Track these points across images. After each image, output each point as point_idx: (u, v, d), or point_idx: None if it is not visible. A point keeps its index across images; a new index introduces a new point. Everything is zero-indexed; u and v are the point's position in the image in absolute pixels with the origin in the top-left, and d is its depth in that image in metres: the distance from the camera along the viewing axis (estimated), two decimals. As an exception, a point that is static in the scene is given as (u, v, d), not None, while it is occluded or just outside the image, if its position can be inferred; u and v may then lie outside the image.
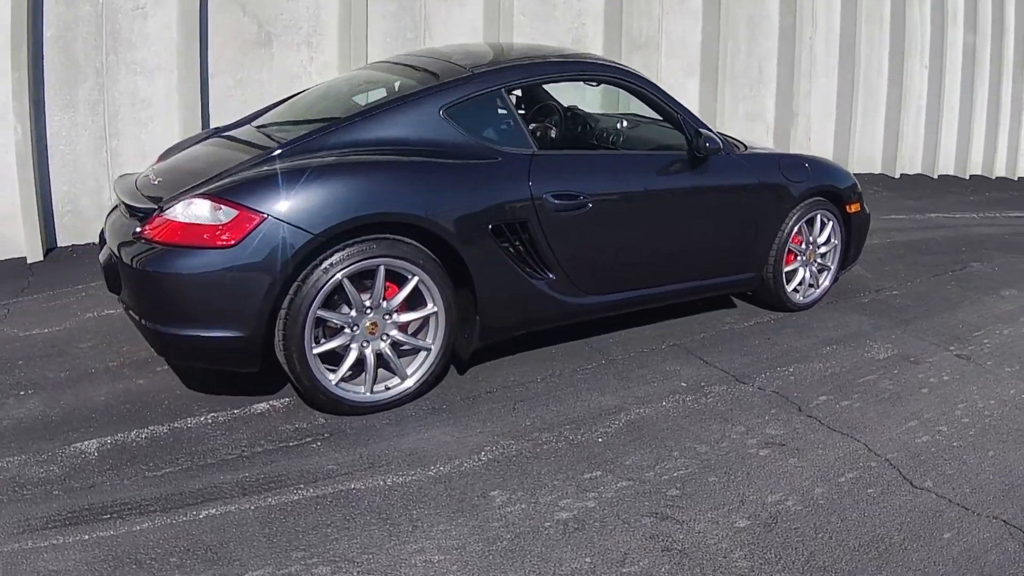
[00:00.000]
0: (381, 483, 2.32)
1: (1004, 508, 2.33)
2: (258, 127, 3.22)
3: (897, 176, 8.16)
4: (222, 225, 2.46)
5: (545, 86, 3.96)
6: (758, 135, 7.55)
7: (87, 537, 2.06)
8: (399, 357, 2.74)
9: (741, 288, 3.72)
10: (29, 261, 4.42)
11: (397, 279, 2.68)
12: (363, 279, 2.63)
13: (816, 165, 3.91)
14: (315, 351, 2.58)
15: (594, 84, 3.63)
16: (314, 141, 2.77)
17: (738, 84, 7.48)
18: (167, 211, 2.55)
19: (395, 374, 2.75)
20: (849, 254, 4.09)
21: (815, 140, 7.95)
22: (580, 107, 4.22)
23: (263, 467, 2.40)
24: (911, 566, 2.07)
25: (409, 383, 2.76)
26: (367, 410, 2.71)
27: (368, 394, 2.70)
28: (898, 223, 6.22)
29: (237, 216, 2.46)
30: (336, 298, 2.61)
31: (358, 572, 1.95)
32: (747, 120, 7.59)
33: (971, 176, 8.66)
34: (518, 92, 3.80)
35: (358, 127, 2.82)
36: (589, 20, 6.74)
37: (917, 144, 8.41)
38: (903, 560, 2.09)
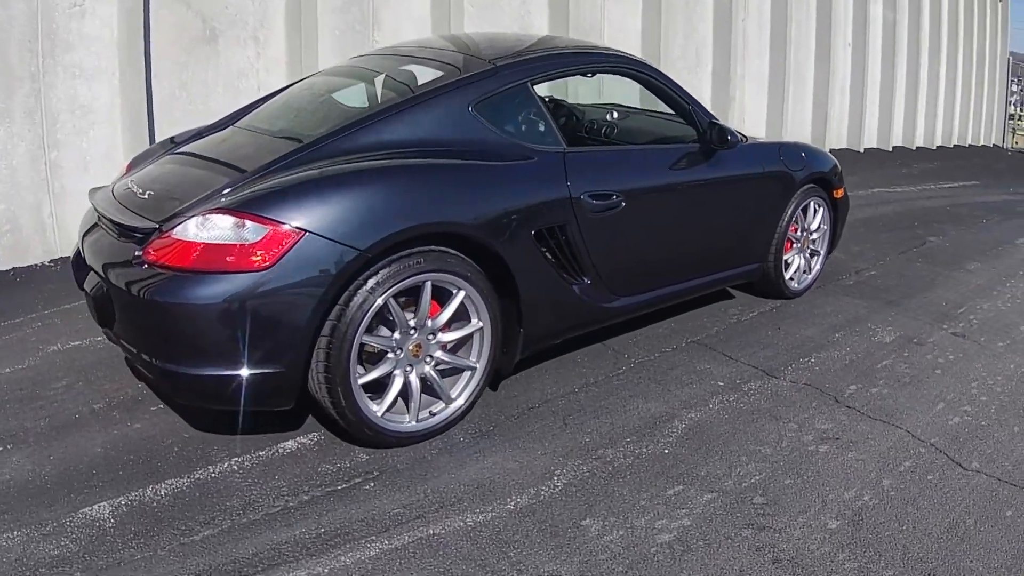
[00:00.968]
0: (461, 524, 2.11)
1: (1052, 483, 2.43)
2: (253, 130, 2.88)
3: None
4: (251, 244, 2.14)
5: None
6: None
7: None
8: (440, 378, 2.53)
9: (746, 279, 3.72)
10: (-38, 290, 3.86)
11: (438, 295, 2.46)
12: (399, 297, 2.39)
13: (809, 152, 3.95)
14: (360, 381, 2.33)
15: (588, 77, 3.49)
16: (336, 144, 2.48)
17: (677, 68, 7.55)
18: (174, 230, 2.21)
19: (439, 398, 2.53)
20: (835, 239, 4.18)
21: (749, 122, 8.18)
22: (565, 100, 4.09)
23: (319, 519, 2.13)
24: (991, 547, 2.14)
25: (455, 406, 2.55)
26: (413, 440, 2.48)
27: (414, 423, 2.46)
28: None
29: (270, 233, 2.15)
30: (373, 321, 2.36)
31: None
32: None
33: (893, 148, 9.18)
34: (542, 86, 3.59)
35: (383, 127, 2.56)
36: (535, 8, 6.60)
37: (843, 119, 8.82)
38: (982, 542, 2.16)
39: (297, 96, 3.15)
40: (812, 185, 3.85)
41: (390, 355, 2.39)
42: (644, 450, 2.52)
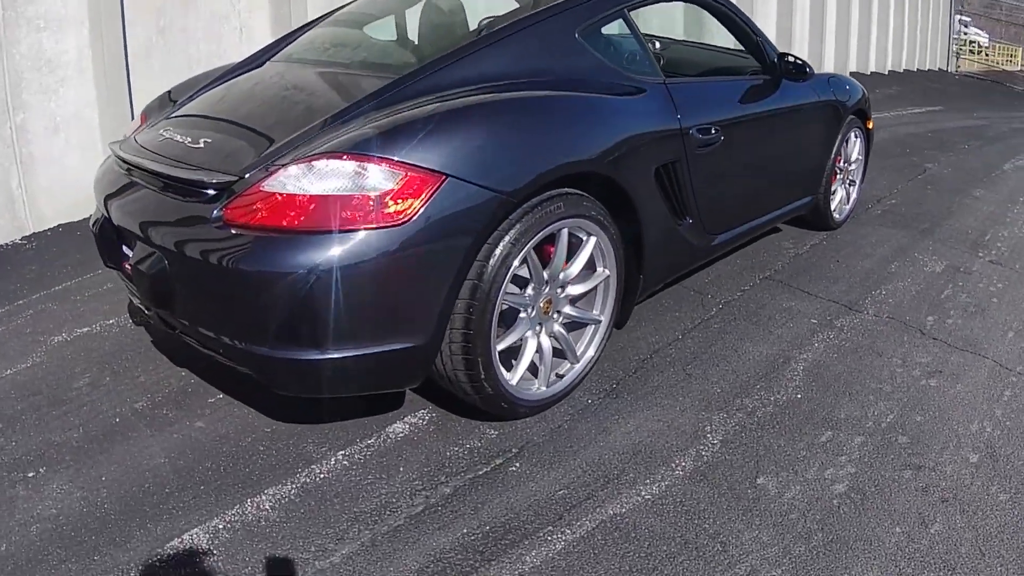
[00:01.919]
0: (639, 499, 1.96)
1: None
2: (316, 64, 2.50)
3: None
4: (382, 194, 1.80)
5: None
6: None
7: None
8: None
9: (803, 211, 3.66)
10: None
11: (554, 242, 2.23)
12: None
13: (850, 83, 3.88)
14: (498, 347, 2.10)
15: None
16: (436, 76, 2.16)
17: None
18: (266, 182, 1.84)
19: (564, 358, 2.35)
20: (866, 169, 4.18)
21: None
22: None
23: (477, 514, 1.89)
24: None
25: (581, 366, 2.36)
26: (542, 408, 2.29)
27: (544, 388, 2.26)
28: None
29: (406, 180, 1.82)
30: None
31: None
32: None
33: (851, 73, 9.35)
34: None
35: (485, 57, 2.24)
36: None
37: (804, 45, 8.85)
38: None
39: (340, 25, 2.77)
40: (853, 116, 3.80)
41: (522, 314, 2.17)
42: (778, 396, 2.45)
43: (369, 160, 1.83)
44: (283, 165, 1.87)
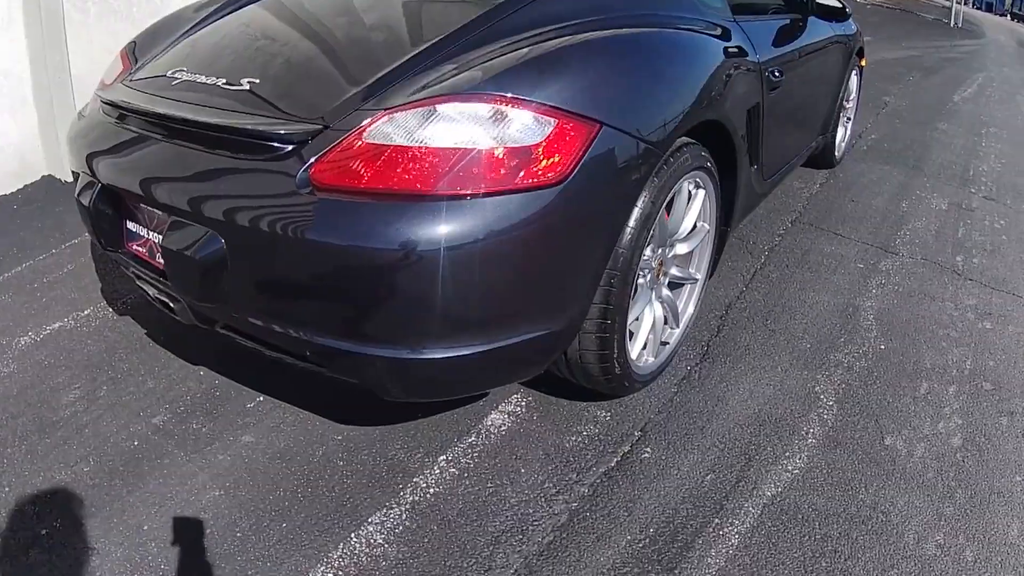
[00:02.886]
0: (788, 476, 1.83)
1: None
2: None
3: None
4: (528, 148, 1.45)
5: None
6: None
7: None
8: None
9: (818, 149, 3.60)
10: None
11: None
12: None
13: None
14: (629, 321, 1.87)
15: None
16: (531, 8, 1.84)
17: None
18: (369, 129, 1.45)
19: (667, 323, 2.16)
20: (858, 106, 4.18)
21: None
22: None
23: (632, 515, 1.68)
24: None
25: (680, 331, 2.20)
26: (651, 380, 2.09)
27: (653, 359, 2.07)
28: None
29: (557, 129, 1.49)
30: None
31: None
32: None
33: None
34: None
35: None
36: None
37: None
38: None
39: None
40: (855, 55, 3.75)
41: (641, 280, 1.96)
42: (864, 348, 2.39)
43: (512, 104, 1.48)
44: (388, 110, 1.49)
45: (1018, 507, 1.82)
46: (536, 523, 1.64)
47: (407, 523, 1.64)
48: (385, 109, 1.50)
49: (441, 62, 1.63)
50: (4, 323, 2.33)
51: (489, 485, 1.74)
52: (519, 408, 2.01)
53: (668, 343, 2.15)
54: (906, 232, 3.31)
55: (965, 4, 15.50)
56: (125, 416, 1.93)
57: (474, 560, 1.56)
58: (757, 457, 1.89)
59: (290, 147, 1.51)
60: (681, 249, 2.10)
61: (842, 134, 3.93)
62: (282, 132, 1.52)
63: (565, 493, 1.73)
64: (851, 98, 3.92)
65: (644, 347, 2.03)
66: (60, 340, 2.24)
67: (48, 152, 3.28)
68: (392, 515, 1.65)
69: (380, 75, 1.60)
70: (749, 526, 1.68)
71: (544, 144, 1.48)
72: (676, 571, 1.55)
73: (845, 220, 3.35)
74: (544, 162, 1.48)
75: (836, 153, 3.91)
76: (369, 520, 1.64)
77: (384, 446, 1.85)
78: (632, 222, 1.71)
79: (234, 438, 1.86)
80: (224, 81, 1.75)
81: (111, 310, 2.38)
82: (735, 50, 2.22)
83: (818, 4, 3.01)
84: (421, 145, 1.44)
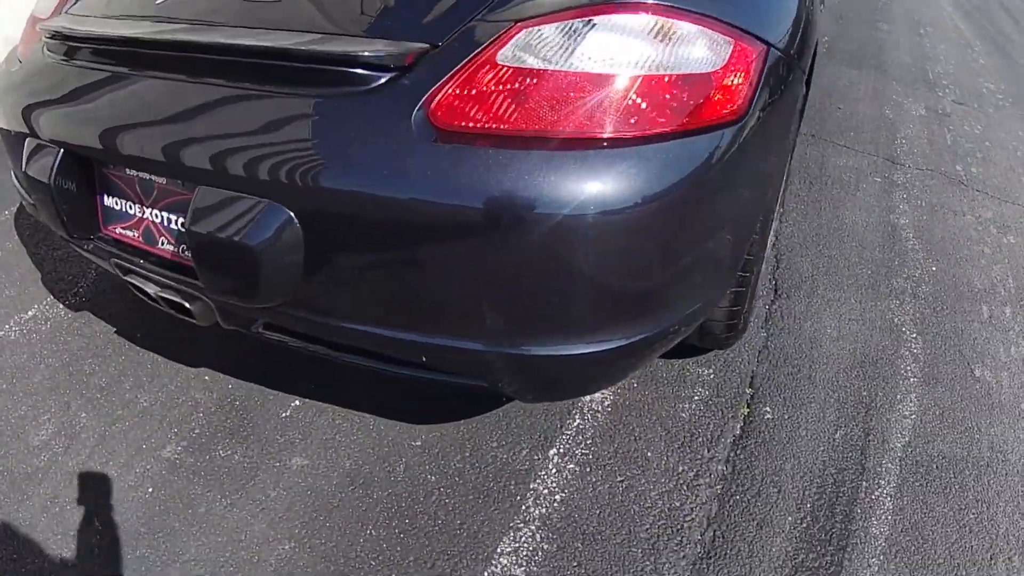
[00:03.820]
0: (909, 423, 1.72)
1: None
2: None
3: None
4: (711, 75, 1.13)
5: None
6: None
7: None
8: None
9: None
10: None
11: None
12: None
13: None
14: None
15: None
16: None
17: None
18: (502, 49, 1.09)
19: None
20: (828, 3, 4.01)
21: None
22: None
23: (780, 493, 1.53)
24: None
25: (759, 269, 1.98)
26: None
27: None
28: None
29: (735, 51, 1.17)
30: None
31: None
32: None
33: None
34: None
35: None
36: None
37: None
38: None
39: None
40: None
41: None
42: (919, 271, 2.29)
43: (689, 18, 1.14)
44: (523, 22, 1.10)
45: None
46: (688, 518, 1.43)
47: (545, 545, 1.36)
48: (518, 21, 1.10)
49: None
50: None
51: (619, 478, 1.49)
52: (603, 400, 1.73)
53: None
54: (902, 141, 3.23)
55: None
56: (124, 453, 1.48)
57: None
58: (873, 405, 1.75)
59: (386, 76, 1.10)
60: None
61: (820, 35, 3.77)
62: (376, 54, 1.10)
63: (705, 475, 1.52)
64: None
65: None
66: (4, 358, 1.71)
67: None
68: (523, 538, 1.37)
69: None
70: (895, 486, 1.55)
71: (722, 71, 1.16)
72: (848, 550, 1.40)
73: (842, 130, 3.22)
74: (721, 94, 1.16)
75: (813, 56, 3.76)
76: (498, 550, 1.34)
77: (477, 447, 1.53)
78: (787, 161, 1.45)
79: (281, 463, 1.47)
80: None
81: (63, 306, 1.85)
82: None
83: None
84: (579, 71, 1.07)
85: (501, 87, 1.08)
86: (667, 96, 1.11)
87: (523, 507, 1.41)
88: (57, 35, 1.40)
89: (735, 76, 1.18)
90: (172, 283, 1.30)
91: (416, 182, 1.05)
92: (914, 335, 2.02)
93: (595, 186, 1.04)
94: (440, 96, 1.08)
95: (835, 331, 1.97)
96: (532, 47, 1.09)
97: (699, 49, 1.14)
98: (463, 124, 1.07)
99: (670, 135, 1.10)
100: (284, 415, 1.57)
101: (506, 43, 1.09)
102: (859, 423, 1.69)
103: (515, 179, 1.04)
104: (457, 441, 1.54)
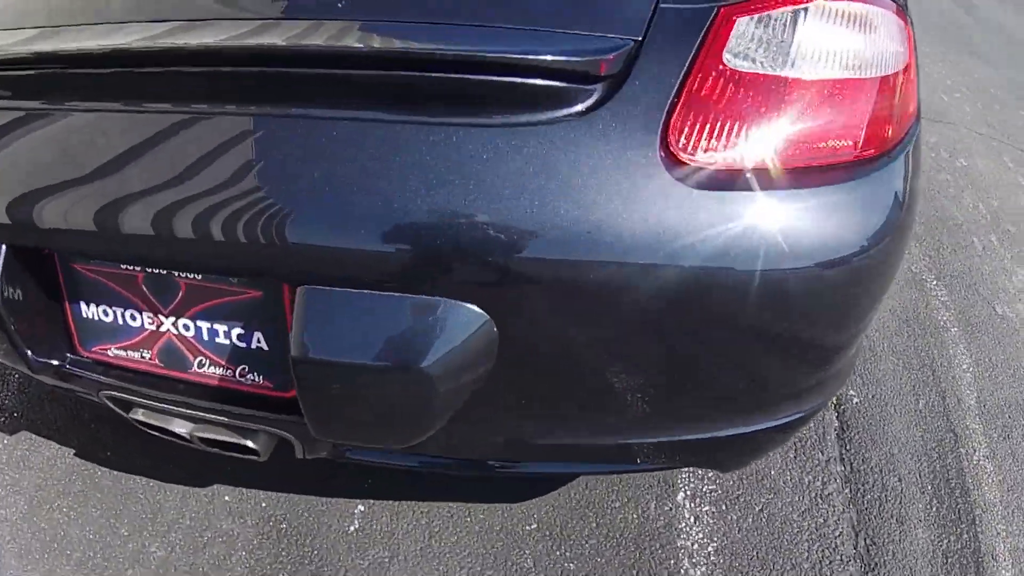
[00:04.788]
0: (969, 368, 1.76)
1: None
2: None
3: None
4: (889, 78, 0.93)
5: None
6: None
7: None
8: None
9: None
10: None
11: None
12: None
13: None
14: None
15: None
16: None
17: None
18: (730, 43, 0.84)
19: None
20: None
21: None
22: None
23: (902, 481, 1.52)
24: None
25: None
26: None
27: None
28: None
29: (909, 41, 1.00)
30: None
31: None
32: None
33: None
34: None
35: None
36: None
37: None
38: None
39: None
40: None
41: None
42: (990, 205, 2.37)
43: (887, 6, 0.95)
44: (737, 7, 0.85)
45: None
46: (836, 533, 1.39)
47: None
48: (727, 5, 0.85)
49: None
50: None
51: (757, 507, 1.42)
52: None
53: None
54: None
55: None
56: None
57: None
58: (936, 365, 1.78)
59: (596, 90, 0.81)
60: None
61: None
62: (575, 59, 0.80)
63: (830, 482, 1.48)
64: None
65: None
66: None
67: None
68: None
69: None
70: (987, 447, 1.59)
71: (902, 72, 0.95)
72: (978, 524, 1.42)
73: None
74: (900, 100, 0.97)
75: None
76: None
77: (600, 514, 1.37)
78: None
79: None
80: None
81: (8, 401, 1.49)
82: None
83: None
84: (815, 78, 0.86)
85: (742, 97, 0.83)
86: (881, 104, 0.91)
87: (681, 570, 1.31)
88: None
89: (907, 78, 0.98)
90: (226, 418, 1.00)
91: (694, 242, 0.80)
92: (934, 282, 2.07)
93: (857, 221, 0.87)
94: (675, 116, 0.82)
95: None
96: (752, 44, 0.85)
97: (895, 42, 0.95)
98: (709, 155, 0.82)
99: (892, 150, 0.92)
100: (352, 528, 1.31)
101: (726, 38, 0.84)
102: (932, 387, 1.72)
103: (799, 221, 0.83)
104: (575, 512, 1.39)
